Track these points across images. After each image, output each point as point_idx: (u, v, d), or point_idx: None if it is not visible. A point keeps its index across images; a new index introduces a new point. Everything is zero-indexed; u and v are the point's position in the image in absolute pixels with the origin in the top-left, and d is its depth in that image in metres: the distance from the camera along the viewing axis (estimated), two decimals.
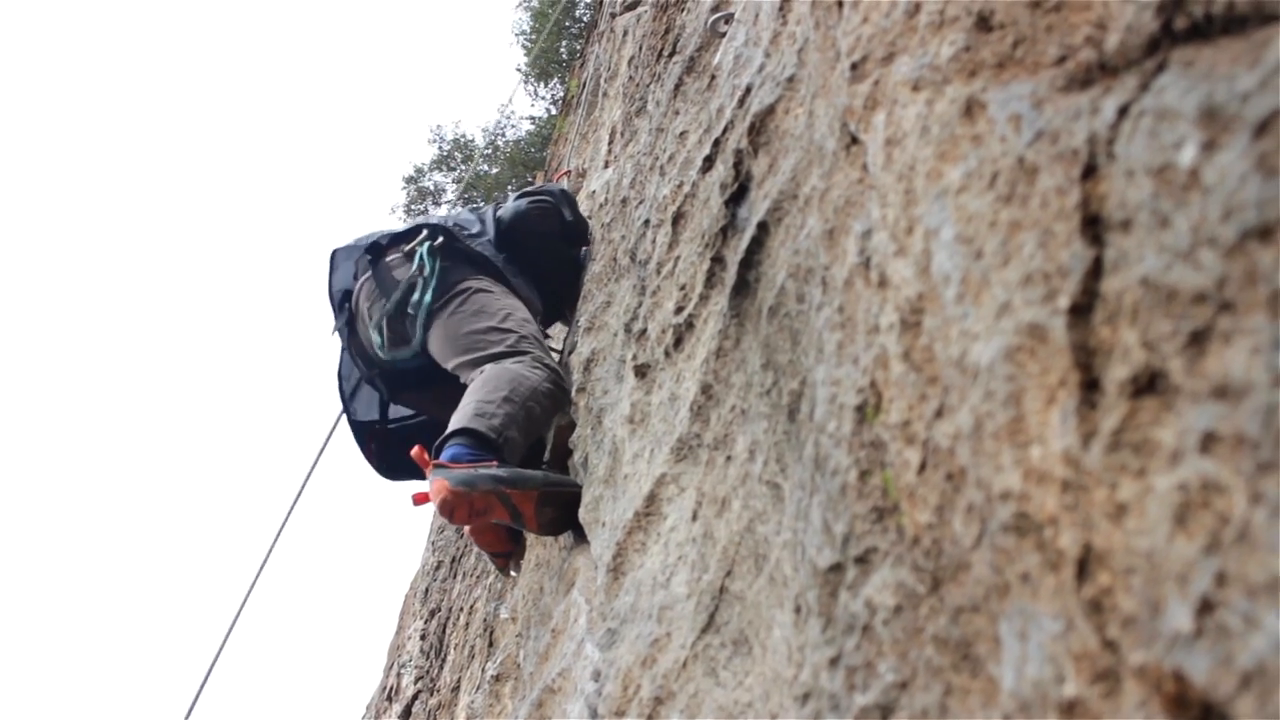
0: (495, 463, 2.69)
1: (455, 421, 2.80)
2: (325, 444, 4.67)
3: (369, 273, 3.46)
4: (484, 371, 3.03)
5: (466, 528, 3.14)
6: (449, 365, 3.23)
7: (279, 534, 4.36)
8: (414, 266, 3.31)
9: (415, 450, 2.73)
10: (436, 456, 2.72)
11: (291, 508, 4.40)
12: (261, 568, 4.31)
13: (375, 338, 3.40)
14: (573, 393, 3.05)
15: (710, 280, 1.91)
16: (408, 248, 3.41)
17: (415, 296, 3.26)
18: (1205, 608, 0.55)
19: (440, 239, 3.41)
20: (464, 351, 3.17)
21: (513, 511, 2.64)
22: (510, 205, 3.75)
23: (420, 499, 2.74)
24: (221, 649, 4.06)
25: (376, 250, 3.47)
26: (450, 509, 2.58)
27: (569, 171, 6.13)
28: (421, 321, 3.25)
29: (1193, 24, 0.72)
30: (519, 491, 2.63)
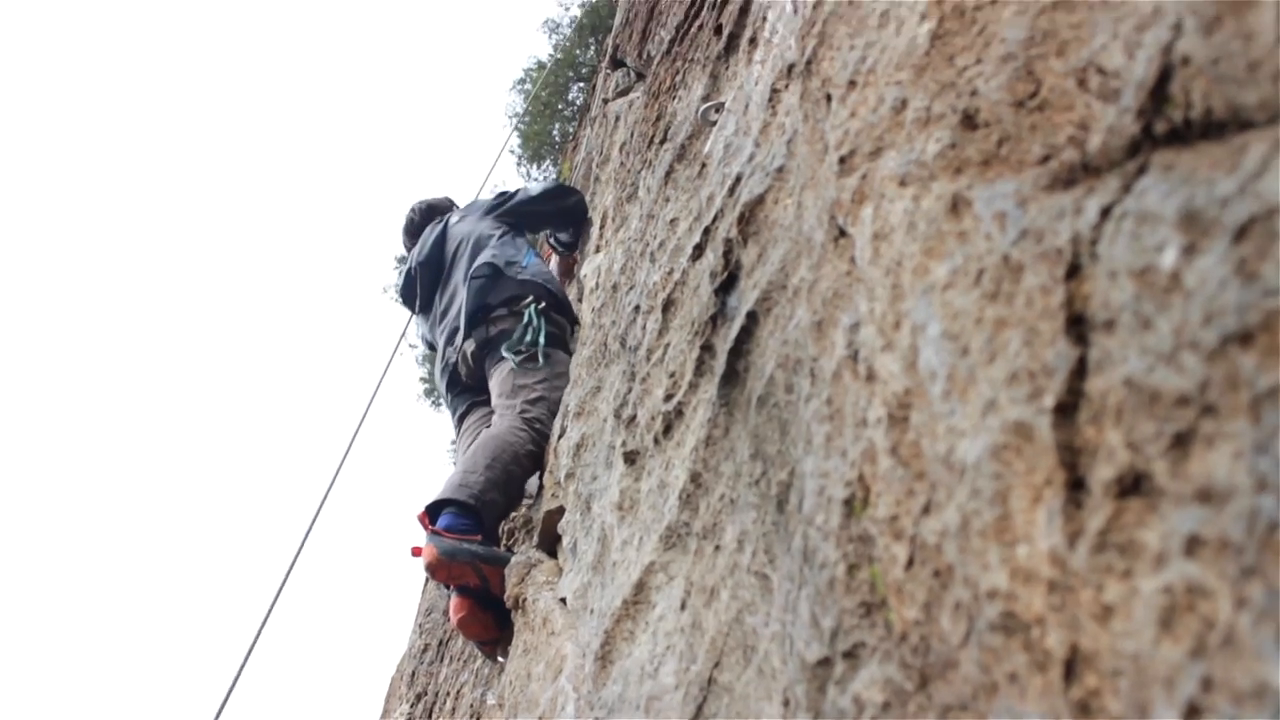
0: (478, 538, 3.46)
1: (445, 489, 3.62)
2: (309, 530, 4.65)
3: (480, 329, 4.56)
4: (481, 435, 3.96)
5: (454, 621, 3.58)
6: (494, 398, 4.27)
7: (270, 609, 4.32)
8: (524, 320, 4.40)
9: (420, 514, 3.56)
10: (432, 516, 3.54)
11: (284, 581, 4.36)
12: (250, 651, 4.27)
13: (452, 356, 4.68)
14: (561, 478, 3.09)
15: (700, 368, 1.91)
16: (517, 307, 4.51)
17: (529, 338, 4.32)
18: (1192, 713, 0.55)
19: (544, 304, 4.52)
20: (504, 395, 4.16)
21: (482, 578, 3.36)
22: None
23: (416, 552, 3.45)
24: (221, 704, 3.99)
25: (486, 310, 4.57)
26: (434, 570, 3.36)
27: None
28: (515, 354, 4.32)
29: (1172, 128, 0.73)
30: (489, 566, 3.36)
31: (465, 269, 4.87)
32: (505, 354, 4.25)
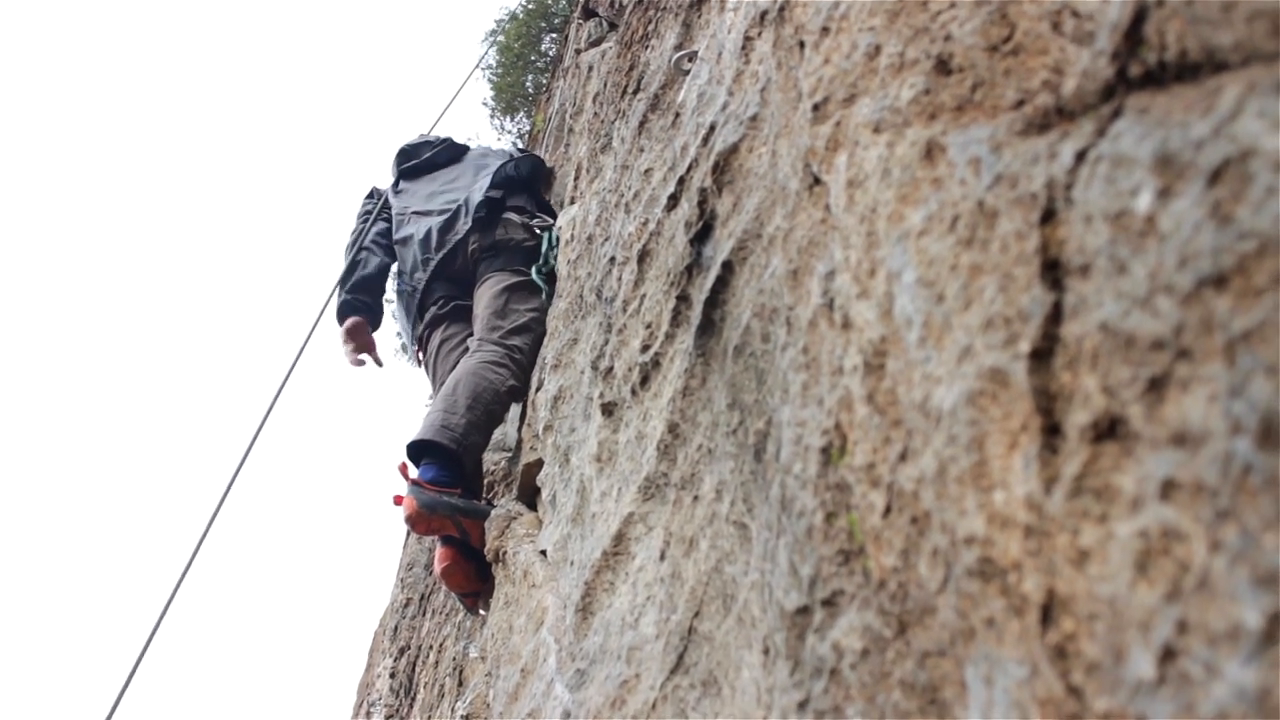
0: (458, 491, 3.49)
1: (424, 429, 3.60)
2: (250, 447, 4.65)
3: (489, 228, 4.50)
4: (462, 364, 3.91)
5: (437, 570, 3.61)
6: (476, 308, 4.24)
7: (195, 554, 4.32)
8: (543, 247, 4.34)
9: (401, 465, 3.57)
10: (413, 457, 3.59)
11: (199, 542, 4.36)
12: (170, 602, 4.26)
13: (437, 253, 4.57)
14: (539, 430, 3.10)
15: (676, 319, 1.91)
16: (533, 222, 4.51)
17: (540, 264, 4.26)
18: (1167, 655, 0.55)
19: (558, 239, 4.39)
20: (493, 313, 4.09)
21: (461, 531, 3.43)
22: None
23: (398, 501, 3.48)
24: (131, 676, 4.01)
25: (500, 205, 4.58)
26: (414, 522, 3.40)
27: None
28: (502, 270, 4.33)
29: (1147, 71, 0.72)
30: (469, 520, 3.42)
31: (488, 168, 4.87)
32: (535, 277, 4.19)
